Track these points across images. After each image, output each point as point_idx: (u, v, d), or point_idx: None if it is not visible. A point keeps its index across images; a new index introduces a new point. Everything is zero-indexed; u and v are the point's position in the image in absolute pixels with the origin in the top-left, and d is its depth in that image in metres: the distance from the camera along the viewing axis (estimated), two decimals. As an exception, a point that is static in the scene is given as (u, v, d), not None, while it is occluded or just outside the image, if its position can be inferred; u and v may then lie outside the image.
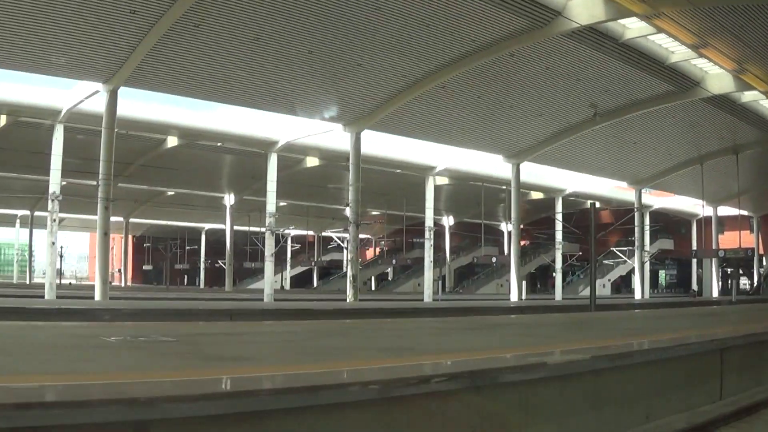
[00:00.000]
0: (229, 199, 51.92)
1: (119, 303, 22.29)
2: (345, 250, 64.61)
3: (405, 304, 27.92)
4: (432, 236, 38.03)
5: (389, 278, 76.10)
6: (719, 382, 8.11)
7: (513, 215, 34.58)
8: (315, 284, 71.70)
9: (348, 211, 29.41)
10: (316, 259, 70.57)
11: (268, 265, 33.25)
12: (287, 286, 73.20)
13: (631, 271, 53.23)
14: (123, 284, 70.90)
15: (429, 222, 37.77)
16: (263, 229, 45.64)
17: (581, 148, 36.46)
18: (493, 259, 45.63)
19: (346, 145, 36.64)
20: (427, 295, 37.28)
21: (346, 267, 64.09)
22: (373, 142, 37.56)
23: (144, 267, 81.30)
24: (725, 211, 49.60)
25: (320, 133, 31.82)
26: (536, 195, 51.83)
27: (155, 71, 24.24)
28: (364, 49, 24.24)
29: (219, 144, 37.87)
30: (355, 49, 24.15)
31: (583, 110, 31.24)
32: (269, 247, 33.35)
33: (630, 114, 31.39)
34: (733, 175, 38.28)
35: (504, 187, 42.99)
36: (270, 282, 32.86)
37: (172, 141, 37.15)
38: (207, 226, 70.98)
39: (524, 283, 38.05)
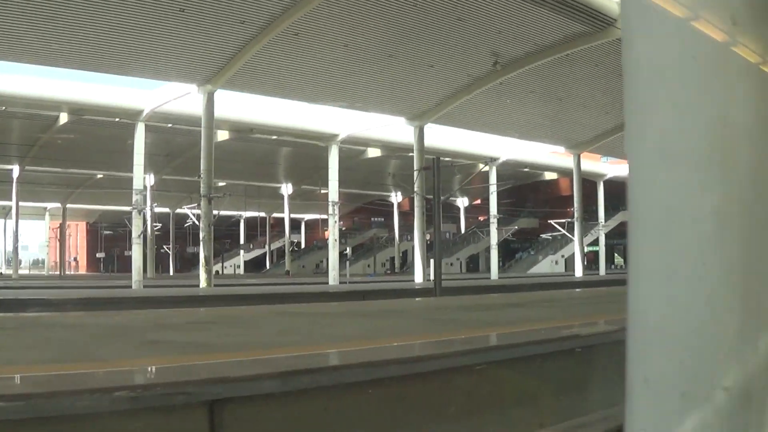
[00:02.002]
0: (149, 180, 47.96)
1: None
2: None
3: (263, 289, 23.89)
4: (337, 211, 33.88)
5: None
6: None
7: (416, 185, 30.31)
8: (267, 267, 68.12)
9: (201, 184, 25.28)
10: (267, 242, 67.10)
11: (135, 248, 29.32)
12: (242, 271, 69.63)
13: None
14: (61, 273, 67.52)
15: (333, 196, 33.58)
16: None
17: (498, 108, 32.00)
18: (427, 237, 41.43)
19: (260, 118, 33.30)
20: (332, 278, 33.21)
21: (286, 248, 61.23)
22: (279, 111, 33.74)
23: (97, 255, 78.00)
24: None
25: (175, 98, 27.56)
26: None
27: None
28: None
29: (117, 119, 34.27)
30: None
31: (482, 59, 26.85)
32: (136, 228, 29.36)
33: (539, 62, 26.94)
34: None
35: (449, 160, 39.07)
36: (138, 268, 28.93)
37: (63, 117, 33.58)
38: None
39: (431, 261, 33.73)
